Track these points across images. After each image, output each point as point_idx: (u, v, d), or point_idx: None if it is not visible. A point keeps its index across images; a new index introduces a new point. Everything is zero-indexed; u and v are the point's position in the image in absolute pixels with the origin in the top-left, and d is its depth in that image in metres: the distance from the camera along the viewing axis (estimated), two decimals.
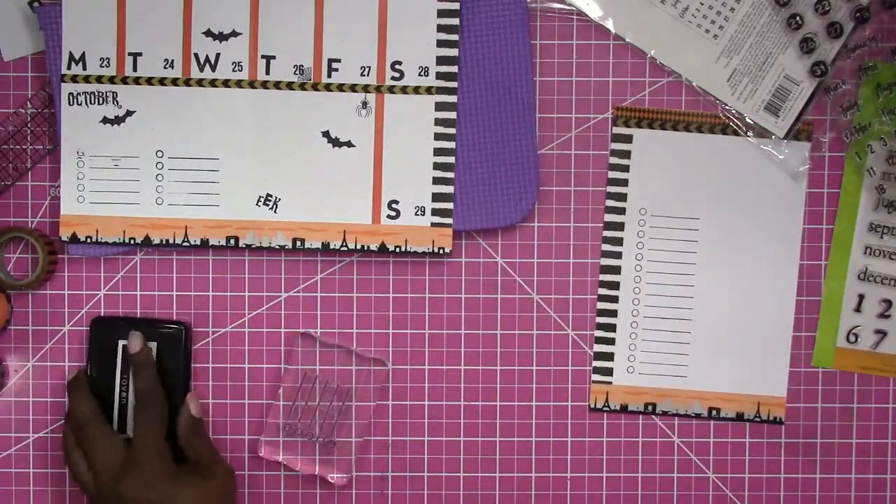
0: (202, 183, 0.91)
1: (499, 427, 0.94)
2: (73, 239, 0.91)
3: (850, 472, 0.94)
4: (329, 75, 0.91)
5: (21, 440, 0.94)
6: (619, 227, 0.93)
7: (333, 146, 0.91)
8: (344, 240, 0.91)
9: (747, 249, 0.93)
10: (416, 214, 0.91)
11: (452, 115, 0.91)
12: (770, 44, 0.92)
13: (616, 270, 0.94)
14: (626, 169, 0.93)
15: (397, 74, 0.91)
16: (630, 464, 0.94)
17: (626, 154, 0.93)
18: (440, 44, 0.90)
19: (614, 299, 0.94)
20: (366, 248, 0.91)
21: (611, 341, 0.94)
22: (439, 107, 0.91)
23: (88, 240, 0.91)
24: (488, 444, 0.94)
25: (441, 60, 0.90)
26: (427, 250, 0.91)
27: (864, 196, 0.93)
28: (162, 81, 0.91)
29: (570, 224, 0.94)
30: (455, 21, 0.90)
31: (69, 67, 0.91)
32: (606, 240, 0.93)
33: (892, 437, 0.94)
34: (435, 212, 0.91)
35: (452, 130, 0.91)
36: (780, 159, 0.93)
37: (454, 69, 0.90)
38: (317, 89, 0.91)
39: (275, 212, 0.91)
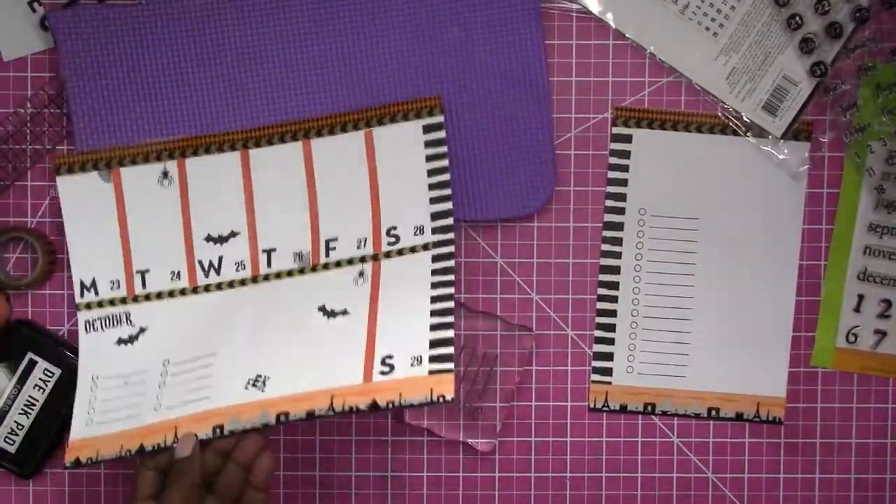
0: (196, 380, 0.88)
1: (498, 427, 0.94)
2: (76, 464, 0.87)
3: (850, 473, 0.94)
4: (327, 254, 0.89)
5: None
6: (619, 227, 0.93)
7: (329, 317, 0.88)
8: (331, 405, 0.84)
9: (747, 250, 0.93)
10: (412, 365, 0.85)
11: (450, 263, 0.87)
12: (770, 43, 0.92)
13: (615, 270, 0.93)
14: (625, 169, 0.93)
15: (393, 239, 0.88)
16: (630, 464, 0.94)
17: (626, 154, 0.93)
18: (434, 200, 0.88)
19: (614, 299, 0.94)
20: (354, 408, 0.84)
21: (610, 341, 0.94)
22: (436, 259, 0.88)
23: (89, 461, 0.87)
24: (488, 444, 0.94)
25: (436, 216, 0.88)
26: (425, 399, 0.84)
27: (864, 196, 0.93)
28: (171, 294, 0.90)
29: (569, 224, 0.94)
30: (446, 177, 0.87)
31: (82, 295, 0.90)
32: (606, 240, 0.93)
33: (892, 437, 0.94)
34: (433, 358, 0.85)
35: (451, 277, 0.87)
36: (780, 159, 0.93)
37: (450, 221, 0.88)
38: (315, 271, 0.89)
39: (262, 391, 0.86)
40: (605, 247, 0.93)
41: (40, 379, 0.91)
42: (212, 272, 0.90)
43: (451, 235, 0.88)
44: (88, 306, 0.91)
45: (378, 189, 0.89)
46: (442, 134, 0.88)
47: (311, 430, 0.94)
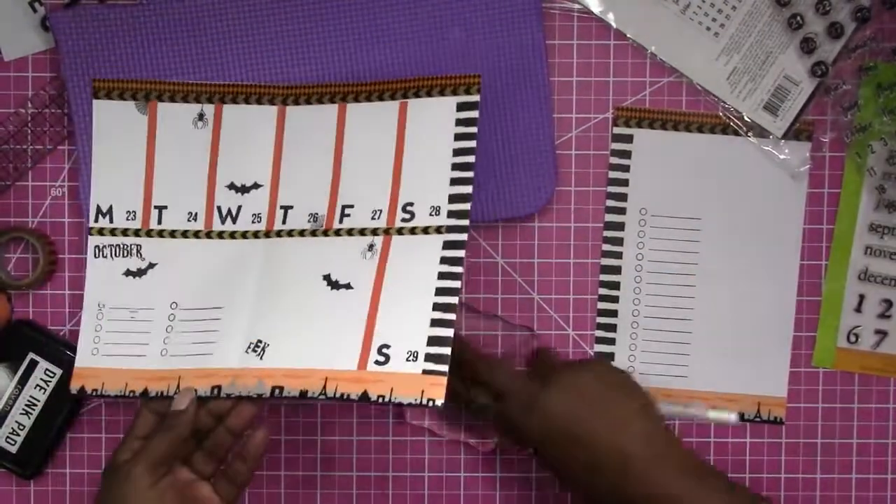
0: (202, 332, 0.88)
1: None
2: (81, 392, 0.88)
3: (851, 472, 0.94)
4: (341, 221, 0.88)
5: None
6: (620, 227, 0.93)
7: (332, 288, 0.86)
8: (324, 388, 0.83)
9: (748, 249, 0.93)
10: (407, 360, 0.82)
11: (461, 253, 0.84)
12: (770, 43, 0.92)
13: (616, 270, 0.93)
14: (626, 169, 0.93)
15: (408, 216, 0.86)
16: None
17: (627, 154, 0.93)
18: (454, 182, 0.85)
19: (615, 299, 0.93)
20: (345, 396, 0.82)
21: (611, 341, 0.94)
22: (447, 245, 0.84)
23: (94, 392, 0.88)
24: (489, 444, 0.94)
25: (454, 198, 0.85)
26: (415, 401, 0.81)
27: (865, 196, 0.93)
28: (185, 234, 0.90)
29: (570, 224, 0.94)
30: (471, 158, 0.85)
31: (96, 220, 0.90)
32: (607, 240, 0.93)
33: (893, 437, 0.94)
34: (429, 357, 0.82)
35: (459, 269, 0.84)
36: (781, 159, 0.93)
37: (467, 206, 0.85)
38: (326, 235, 0.88)
39: (260, 358, 0.85)
40: (606, 247, 0.93)
41: (41, 379, 0.91)
42: (228, 220, 0.90)
43: (465, 222, 0.84)
44: (101, 232, 0.90)
45: (402, 162, 0.87)
46: (475, 114, 0.85)
47: (313, 429, 0.94)
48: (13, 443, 0.91)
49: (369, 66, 0.91)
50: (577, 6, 0.93)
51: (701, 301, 0.93)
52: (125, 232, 0.90)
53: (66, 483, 0.94)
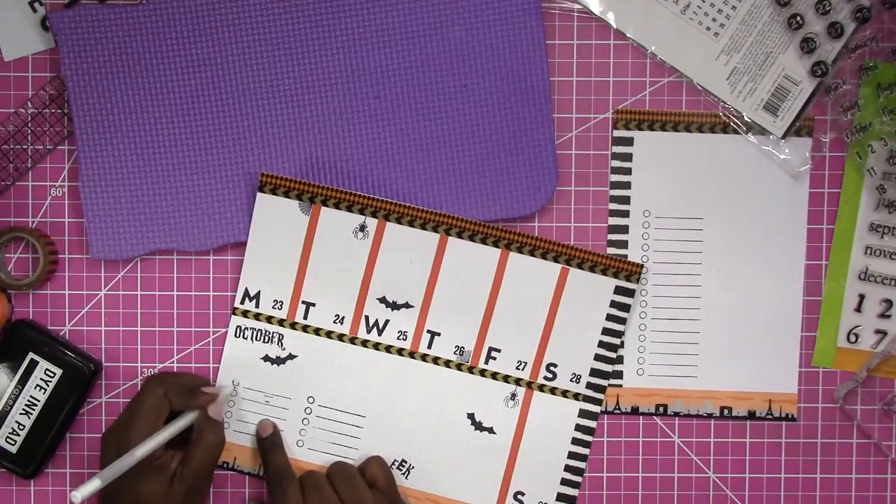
0: (344, 436, 0.93)
1: None
2: None
3: (851, 473, 0.95)
4: (486, 362, 0.92)
5: None
6: (624, 230, 0.93)
7: (476, 429, 0.93)
8: None
9: (752, 247, 0.93)
10: None
11: (593, 424, 0.93)
12: (770, 43, 0.92)
13: None
14: (628, 172, 0.93)
15: (550, 375, 0.92)
16: (630, 464, 0.94)
17: (628, 157, 0.93)
18: (598, 358, 0.92)
19: None
20: None
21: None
22: (582, 414, 0.93)
23: (225, 465, 0.93)
24: None
25: (594, 372, 0.92)
26: None
27: (865, 196, 0.93)
28: (329, 334, 0.92)
29: (570, 224, 0.94)
30: (617, 341, 0.92)
31: (242, 302, 0.93)
32: (611, 243, 0.93)
33: (893, 437, 0.94)
34: None
35: (589, 438, 0.93)
36: (781, 159, 0.93)
37: (605, 382, 0.92)
38: (472, 373, 0.92)
39: (406, 478, 0.93)
40: (611, 250, 0.93)
41: (41, 379, 0.91)
42: (374, 331, 0.92)
43: (601, 396, 0.92)
44: (245, 314, 0.93)
45: (553, 323, 0.92)
46: (630, 300, 0.92)
47: None
48: (13, 443, 0.91)
49: (369, 66, 0.91)
50: (577, 6, 0.93)
51: (707, 300, 0.93)
52: (269, 319, 0.93)
53: (66, 483, 0.94)
